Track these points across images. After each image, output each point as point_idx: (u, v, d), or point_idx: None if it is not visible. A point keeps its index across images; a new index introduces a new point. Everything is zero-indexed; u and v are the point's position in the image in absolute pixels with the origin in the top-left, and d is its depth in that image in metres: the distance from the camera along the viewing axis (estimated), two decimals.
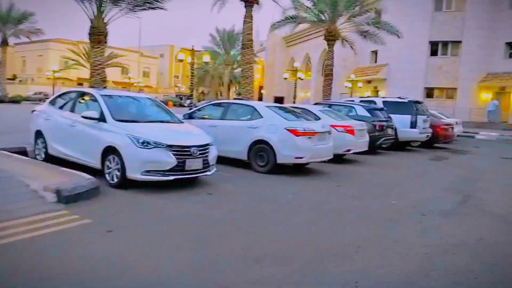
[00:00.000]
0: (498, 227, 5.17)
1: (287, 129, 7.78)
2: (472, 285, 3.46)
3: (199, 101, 38.70)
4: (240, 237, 4.26)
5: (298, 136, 7.74)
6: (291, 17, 22.02)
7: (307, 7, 21.89)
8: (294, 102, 35.11)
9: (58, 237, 3.91)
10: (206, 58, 20.87)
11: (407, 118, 13.49)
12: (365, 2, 22.02)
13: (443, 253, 4.13)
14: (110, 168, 5.94)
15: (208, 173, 6.36)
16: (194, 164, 6.03)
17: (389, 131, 12.70)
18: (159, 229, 4.34)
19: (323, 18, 22.22)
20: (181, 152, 5.89)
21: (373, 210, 5.72)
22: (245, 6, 16.39)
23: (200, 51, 26.97)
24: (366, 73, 35.72)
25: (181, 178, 5.97)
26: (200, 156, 6.11)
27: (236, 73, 50.08)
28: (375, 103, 14.26)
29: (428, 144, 14.88)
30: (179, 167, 5.88)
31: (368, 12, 22.04)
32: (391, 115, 13.21)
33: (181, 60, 19.69)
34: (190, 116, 9.11)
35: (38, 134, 7.60)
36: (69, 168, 6.17)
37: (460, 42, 30.01)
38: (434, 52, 31.24)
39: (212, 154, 6.44)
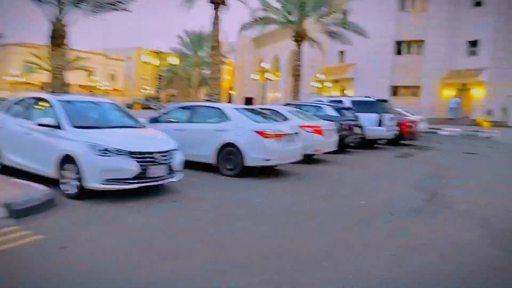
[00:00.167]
0: (464, 224, 5.21)
1: (256, 132, 7.65)
2: (441, 286, 3.42)
3: (168, 103, 38.08)
4: (206, 247, 4.08)
5: (266, 138, 7.62)
6: (260, 19, 21.98)
7: (276, 9, 21.92)
8: (263, 103, 35.13)
9: (6, 255, 3.61)
10: (173, 59, 20.47)
11: (374, 116, 13.66)
12: (332, 3, 22.26)
13: (411, 254, 4.10)
14: (68, 178, 5.62)
15: (173, 179, 6.13)
16: (158, 170, 5.79)
17: (357, 130, 12.81)
18: (118, 243, 4.10)
19: (291, 19, 22.31)
20: (144, 158, 5.64)
21: (342, 211, 5.66)
22: (213, 7, 16.20)
23: (166, 53, 26.46)
24: (334, 73, 36.22)
25: (144, 186, 5.72)
26: (164, 162, 5.87)
27: (205, 74, 49.66)
28: (343, 102, 14.37)
29: (395, 141, 15.15)
30: (142, 175, 5.62)
31: (335, 12, 22.29)
32: (359, 114, 13.34)
33: (146, 62, 19.23)
34: (155, 120, 8.82)
35: None
36: (27, 179, 5.80)
37: (423, 41, 30.91)
38: (399, 51, 32.05)
39: (178, 160, 6.21)
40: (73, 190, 5.55)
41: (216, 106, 8.64)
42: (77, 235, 4.25)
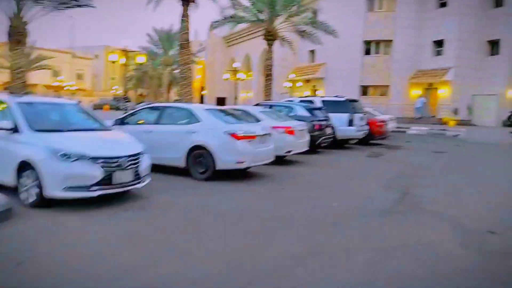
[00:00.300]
0: (436, 225, 5.23)
1: (227, 133, 7.47)
2: None
3: (138, 104, 37.23)
4: (172, 258, 3.87)
5: (238, 140, 7.46)
6: (230, 17, 21.78)
7: (245, 7, 21.77)
8: (235, 103, 34.94)
9: None
10: (141, 58, 19.96)
11: (345, 116, 13.74)
12: (302, 2, 22.32)
13: (385, 257, 4.05)
14: (26, 185, 5.27)
15: (140, 185, 5.86)
16: (123, 176, 5.52)
17: (328, 130, 12.84)
18: (81, 255, 3.84)
19: (261, 17, 22.22)
20: (108, 163, 5.36)
21: (315, 214, 5.58)
22: (182, 5, 15.87)
23: (135, 51, 25.83)
24: (305, 72, 36.42)
25: (109, 193, 5.44)
26: (130, 167, 5.61)
27: (176, 73, 48.93)
28: (314, 102, 14.39)
29: (365, 141, 15.30)
30: (106, 181, 5.34)
31: (305, 12, 22.35)
32: (330, 114, 13.38)
33: (113, 61, 18.66)
34: (122, 122, 8.49)
35: None
36: None
37: (391, 41, 31.49)
38: (368, 51, 32.52)
39: (145, 164, 5.96)
40: (32, 199, 5.21)
41: (185, 107, 8.39)
42: (36, 248, 3.96)
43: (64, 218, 4.91)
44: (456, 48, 28.70)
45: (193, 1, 15.98)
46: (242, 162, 7.52)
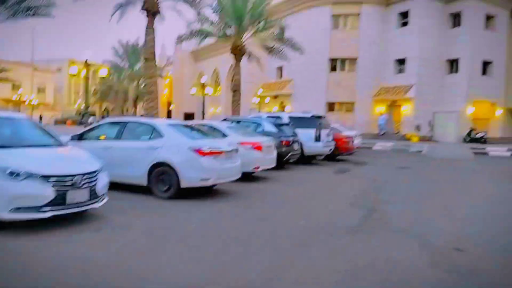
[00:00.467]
0: (402, 243, 5.15)
1: (191, 149, 7.20)
2: None
3: (103, 118, 36.22)
4: (128, 284, 3.57)
5: (203, 156, 7.21)
6: (197, 31, 21.65)
7: (213, 22, 21.73)
8: (203, 118, 34.62)
9: None
10: (103, 71, 19.40)
11: (312, 132, 13.77)
12: (269, 18, 22.53)
13: (354, 279, 3.90)
14: None
15: (97, 205, 5.50)
16: (78, 196, 5.14)
17: (296, 146, 12.80)
18: (29, 285, 3.46)
19: (229, 33, 22.22)
20: (61, 182, 4.99)
21: (281, 234, 5.38)
22: (147, 16, 15.58)
23: (98, 64, 25.13)
24: (273, 88, 36.67)
25: (62, 214, 5.05)
26: (86, 185, 5.24)
27: (142, 88, 48.15)
28: (281, 118, 14.37)
29: (332, 156, 15.38)
30: (59, 201, 4.95)
31: (272, 28, 22.56)
32: (297, 130, 13.38)
33: (73, 75, 18.03)
34: (80, 137, 8.06)
35: None
36: None
37: (356, 58, 32.26)
38: (333, 68, 33.14)
39: (102, 182, 5.60)
40: None
41: (147, 122, 8.05)
42: None
43: (11, 242, 4.48)
44: (417, 66, 29.74)
45: (159, 14, 15.74)
46: (208, 179, 7.25)
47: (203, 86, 34.28)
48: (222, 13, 21.01)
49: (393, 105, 32.02)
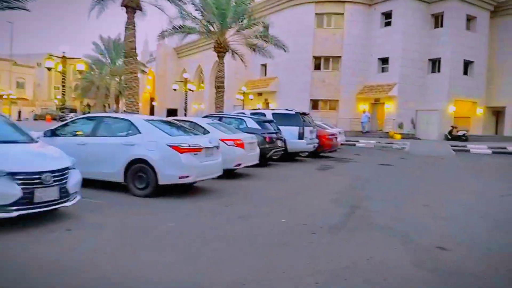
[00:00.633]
0: (386, 241, 5.03)
1: (170, 146, 6.95)
2: None
3: (84, 114, 35.41)
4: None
5: (182, 153, 6.97)
6: (179, 27, 21.29)
7: (195, 18, 21.39)
8: (185, 115, 34.21)
9: None
10: (80, 66, 18.88)
11: (295, 129, 13.66)
12: (253, 16, 22.31)
13: (335, 280, 3.74)
14: None
15: (68, 203, 5.22)
16: (47, 194, 4.87)
17: (279, 143, 12.67)
18: None
19: (212, 29, 21.92)
20: (29, 180, 4.71)
21: (262, 233, 5.21)
22: (127, 12, 15.20)
23: (77, 58, 24.51)
24: (257, 85, 36.48)
25: (29, 214, 4.76)
26: (55, 183, 4.96)
27: (124, 84, 47.38)
28: (264, 115, 14.21)
29: (315, 153, 15.32)
30: (27, 200, 4.68)
31: (256, 25, 22.35)
32: (280, 127, 13.24)
33: (49, 68, 17.49)
34: (53, 133, 7.73)
35: None
36: None
37: (340, 57, 32.30)
38: (317, 66, 33.12)
39: (74, 180, 5.32)
40: None
41: (124, 117, 7.75)
42: None
43: None
44: (400, 65, 29.94)
45: (140, 9, 15.36)
46: (187, 177, 7.02)
47: (185, 81, 33.86)
48: (205, 10, 20.67)
49: (377, 103, 32.22)
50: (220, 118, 12.79)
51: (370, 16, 31.93)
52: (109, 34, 63.42)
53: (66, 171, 5.18)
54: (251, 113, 14.47)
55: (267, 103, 35.37)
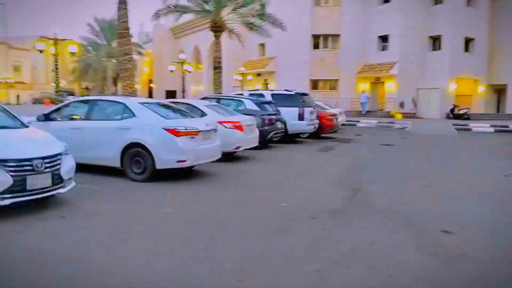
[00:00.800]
0: (388, 225, 4.91)
1: (166, 129, 6.78)
2: None
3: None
4: (91, 277, 3.23)
5: (179, 136, 6.80)
6: (174, 6, 20.81)
7: None
8: (183, 97, 33.87)
9: None
10: (73, 48, 18.45)
11: (295, 110, 13.45)
12: None
13: (336, 266, 3.63)
14: None
15: (61, 190, 5.08)
16: (39, 181, 4.72)
17: (279, 124, 12.48)
18: None
19: (207, 8, 21.43)
20: (20, 167, 4.56)
21: (261, 218, 5.09)
22: None
23: (70, 40, 24.06)
24: (255, 66, 36.00)
25: (22, 201, 4.63)
26: (48, 170, 4.81)
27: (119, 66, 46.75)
28: (263, 96, 13.97)
29: (316, 134, 15.14)
30: (19, 187, 4.54)
31: (253, 3, 21.83)
32: (280, 108, 13.02)
33: (41, 51, 17.11)
34: (47, 118, 7.54)
35: None
36: None
37: (339, 35, 31.76)
38: (316, 45, 32.61)
39: (67, 166, 5.17)
40: None
41: (118, 100, 7.54)
42: None
43: None
44: (400, 43, 29.45)
45: None
46: (184, 161, 6.87)
47: (182, 62, 33.37)
48: None
49: (377, 82, 31.86)
50: (218, 100, 12.55)
51: None
52: (105, 15, 62.28)
53: (58, 157, 5.02)
54: (250, 94, 14.22)
55: (266, 84, 34.98)
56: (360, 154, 11.83)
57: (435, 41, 30.12)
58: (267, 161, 9.88)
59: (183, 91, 34.66)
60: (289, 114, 13.35)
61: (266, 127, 11.66)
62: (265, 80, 35.70)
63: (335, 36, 31.94)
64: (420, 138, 17.17)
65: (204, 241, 4.19)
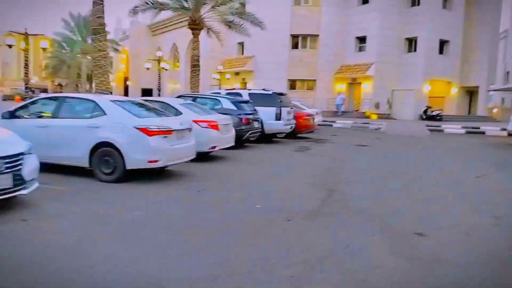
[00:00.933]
0: (363, 227, 4.85)
1: (137, 128, 6.55)
2: None
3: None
4: (51, 286, 3.03)
5: (151, 135, 6.58)
6: (151, 3, 20.40)
7: None
8: (159, 95, 33.36)
9: None
10: (44, 43, 17.82)
11: (272, 110, 13.36)
12: None
13: (310, 272, 3.52)
14: None
15: (24, 191, 4.81)
16: None
17: (256, 124, 12.37)
18: None
19: (186, 5, 21.11)
20: None
21: (236, 220, 4.95)
22: None
23: (41, 36, 23.31)
24: (234, 64, 35.81)
25: None
26: (8, 170, 4.53)
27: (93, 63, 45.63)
28: (241, 95, 13.83)
29: (292, 134, 15.10)
30: None
31: (232, 1, 21.64)
32: (257, 108, 12.91)
33: (10, 46, 16.49)
34: (12, 115, 7.18)
35: None
36: None
37: (317, 35, 31.92)
38: (295, 45, 32.69)
39: (30, 166, 4.89)
40: None
41: (88, 98, 7.25)
42: None
43: None
44: (377, 44, 29.84)
45: None
46: (156, 161, 6.65)
47: (158, 60, 32.85)
48: None
49: (354, 83, 32.18)
50: (194, 99, 12.34)
51: None
52: (80, 10, 60.79)
53: (20, 157, 4.74)
54: (227, 93, 14.06)
55: (245, 83, 34.82)
56: (335, 154, 11.84)
57: (411, 43, 30.67)
58: (243, 162, 9.74)
59: (159, 89, 34.10)
60: (266, 113, 13.26)
61: (243, 127, 11.53)
62: (244, 79, 35.55)
63: (314, 36, 32.09)
64: (395, 139, 17.39)
65: (176, 246, 4.02)
